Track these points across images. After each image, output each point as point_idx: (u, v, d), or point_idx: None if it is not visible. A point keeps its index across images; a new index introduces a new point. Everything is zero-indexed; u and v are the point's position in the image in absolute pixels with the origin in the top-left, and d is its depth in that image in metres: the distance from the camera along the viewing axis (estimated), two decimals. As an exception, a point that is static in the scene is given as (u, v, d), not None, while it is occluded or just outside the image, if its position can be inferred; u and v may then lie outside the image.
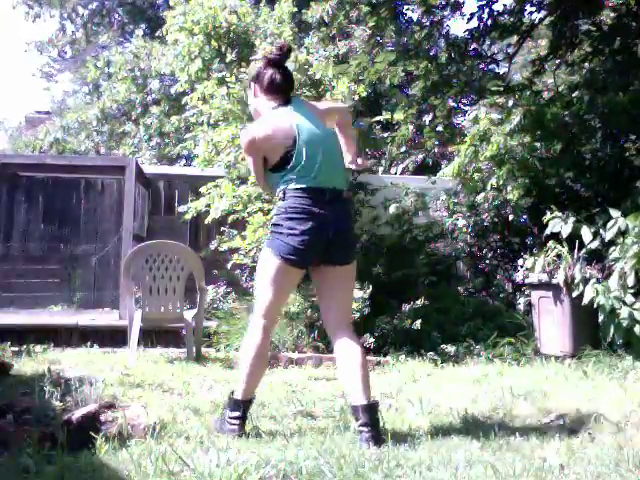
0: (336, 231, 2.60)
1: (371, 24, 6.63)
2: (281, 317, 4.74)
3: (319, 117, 2.70)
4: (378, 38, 6.76)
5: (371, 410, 2.50)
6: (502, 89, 6.16)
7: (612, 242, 4.63)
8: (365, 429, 2.46)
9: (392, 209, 6.03)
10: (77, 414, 2.47)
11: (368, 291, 5.01)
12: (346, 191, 2.72)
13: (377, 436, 2.45)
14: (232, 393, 2.66)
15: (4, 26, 43.42)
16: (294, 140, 2.58)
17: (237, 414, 2.60)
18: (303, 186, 2.58)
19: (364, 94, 6.35)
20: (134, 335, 4.69)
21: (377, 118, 7.37)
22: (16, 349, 4.65)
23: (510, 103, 5.91)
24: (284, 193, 2.61)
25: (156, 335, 5.25)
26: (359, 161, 2.84)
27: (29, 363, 4.14)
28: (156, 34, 11.77)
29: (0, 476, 2.02)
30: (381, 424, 2.57)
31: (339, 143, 2.79)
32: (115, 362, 4.26)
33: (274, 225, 2.65)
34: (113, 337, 5.33)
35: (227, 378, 3.81)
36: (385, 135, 7.34)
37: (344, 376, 2.63)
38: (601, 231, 4.75)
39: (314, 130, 2.63)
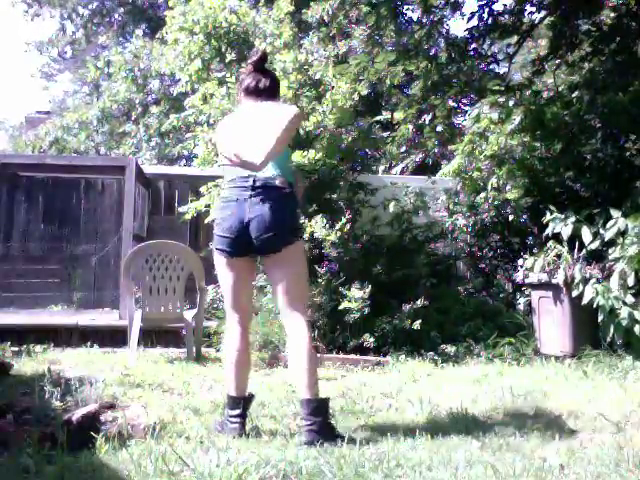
0: (254, 217, 2.57)
1: (370, 23, 6.63)
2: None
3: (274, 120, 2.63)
4: (377, 37, 6.76)
5: (311, 405, 2.50)
6: (503, 89, 6.15)
7: (612, 242, 4.63)
8: (305, 423, 2.49)
9: (391, 207, 6.03)
10: (77, 414, 2.47)
11: (368, 291, 5.02)
12: (282, 180, 2.63)
13: (315, 431, 2.44)
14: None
15: (4, 26, 43.44)
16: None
17: (237, 412, 2.61)
18: (234, 177, 2.66)
19: (364, 92, 6.34)
20: (134, 335, 4.69)
21: (377, 118, 7.38)
22: (16, 349, 4.65)
23: (511, 103, 5.91)
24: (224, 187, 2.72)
25: (156, 335, 5.25)
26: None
27: (29, 363, 4.14)
28: (156, 34, 11.77)
29: (0, 476, 2.02)
30: (332, 422, 2.58)
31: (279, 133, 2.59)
32: (115, 362, 4.26)
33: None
34: (113, 337, 5.34)
35: (227, 378, 3.80)
36: (385, 135, 7.35)
37: (291, 367, 2.68)
38: (601, 231, 4.75)
39: (253, 126, 2.64)
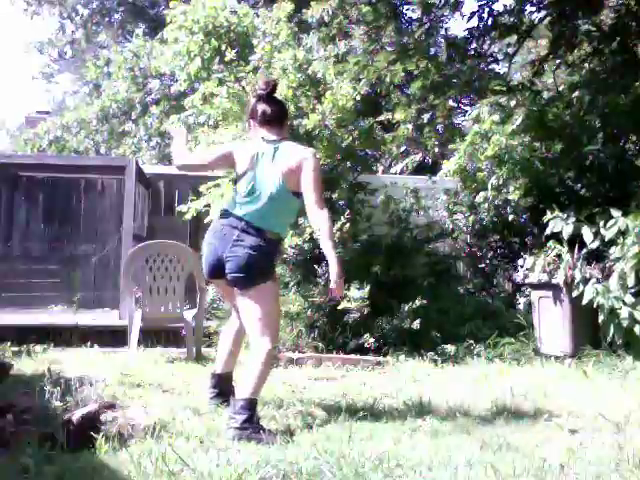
0: (232, 257, 2.74)
1: (369, 19, 6.61)
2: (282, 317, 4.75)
3: (286, 172, 2.79)
4: (376, 36, 6.75)
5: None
6: (505, 89, 6.14)
7: (612, 242, 4.63)
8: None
9: (386, 203, 6.02)
10: (77, 414, 2.47)
11: (367, 291, 5.01)
12: (272, 234, 2.80)
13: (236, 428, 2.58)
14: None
15: (4, 26, 43.45)
16: (250, 170, 2.83)
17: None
18: (230, 211, 2.85)
19: (363, 91, 6.34)
20: (134, 335, 4.69)
21: (378, 119, 7.37)
22: (16, 349, 4.64)
23: (512, 103, 5.90)
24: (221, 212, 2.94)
25: (156, 335, 5.25)
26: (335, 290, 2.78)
27: (29, 363, 4.14)
28: (156, 34, 11.77)
29: (0, 476, 2.02)
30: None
31: (289, 200, 2.84)
32: (115, 362, 4.26)
33: None
34: (113, 337, 5.33)
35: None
36: (385, 135, 7.34)
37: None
38: (601, 231, 4.75)
39: (268, 177, 2.80)
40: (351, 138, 5.89)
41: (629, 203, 4.98)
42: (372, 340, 4.94)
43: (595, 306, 4.47)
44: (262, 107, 2.91)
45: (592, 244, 4.79)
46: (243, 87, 5.89)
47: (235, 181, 2.93)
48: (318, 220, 2.75)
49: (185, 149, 3.08)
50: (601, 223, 4.80)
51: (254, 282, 2.74)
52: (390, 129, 7.49)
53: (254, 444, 2.40)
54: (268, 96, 2.94)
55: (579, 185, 6.00)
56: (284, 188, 2.78)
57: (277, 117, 2.94)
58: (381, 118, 7.24)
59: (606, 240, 4.68)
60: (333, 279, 2.70)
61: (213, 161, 3.01)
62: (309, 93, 6.11)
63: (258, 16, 8.87)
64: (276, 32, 7.76)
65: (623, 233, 4.55)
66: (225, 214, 2.87)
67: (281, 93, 5.80)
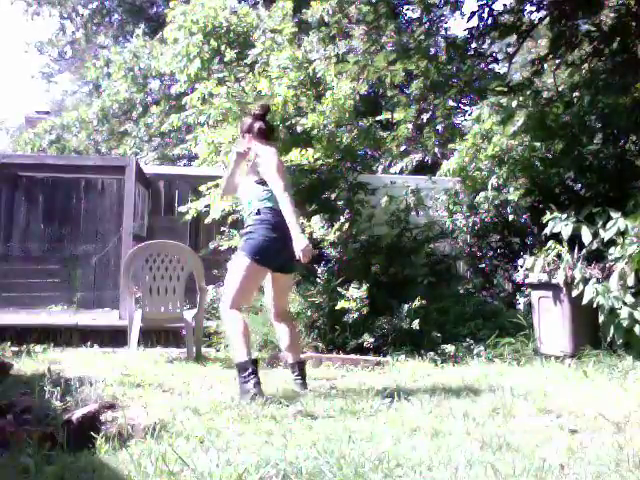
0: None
1: (369, 19, 6.61)
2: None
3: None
4: (376, 36, 6.74)
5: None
6: (506, 89, 6.14)
7: (612, 242, 4.63)
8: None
9: (383, 201, 6.02)
10: (77, 414, 2.47)
11: (367, 290, 5.01)
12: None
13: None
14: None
15: (4, 27, 43.43)
16: None
17: (250, 370, 3.22)
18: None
19: (362, 91, 6.34)
20: (134, 335, 4.69)
21: (378, 118, 7.36)
22: (16, 349, 4.65)
23: (514, 104, 5.89)
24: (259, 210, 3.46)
25: (156, 335, 5.25)
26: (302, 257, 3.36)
27: (29, 363, 4.14)
28: (156, 34, 11.77)
29: (0, 476, 2.02)
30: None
31: None
32: (115, 362, 4.26)
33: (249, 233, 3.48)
34: (113, 337, 5.33)
35: (227, 378, 3.81)
36: (385, 134, 7.34)
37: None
38: (601, 231, 4.75)
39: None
40: (351, 138, 5.89)
41: (628, 203, 4.98)
42: (372, 340, 4.94)
43: (595, 306, 4.48)
44: (258, 124, 3.63)
45: (591, 244, 4.79)
46: (243, 87, 5.88)
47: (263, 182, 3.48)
48: (284, 203, 3.45)
49: (232, 183, 3.70)
50: (600, 223, 4.81)
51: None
52: (390, 128, 7.49)
53: (254, 444, 2.40)
54: (262, 117, 3.69)
55: (579, 185, 6.00)
56: None
57: (271, 133, 3.77)
58: (380, 117, 7.24)
59: (606, 240, 4.68)
60: (299, 247, 3.29)
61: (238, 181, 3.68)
62: (309, 93, 6.11)
63: (259, 17, 8.87)
64: (280, 28, 7.75)
65: (623, 233, 4.56)
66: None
67: (281, 93, 5.80)
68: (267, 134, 3.67)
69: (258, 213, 3.44)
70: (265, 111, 3.75)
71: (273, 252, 3.39)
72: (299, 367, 3.63)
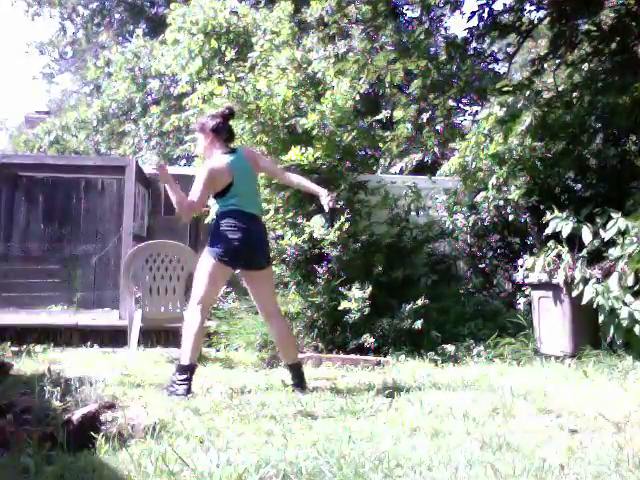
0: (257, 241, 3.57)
1: (368, 17, 6.61)
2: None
3: (254, 166, 3.71)
4: (374, 35, 6.75)
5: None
6: (511, 89, 6.12)
7: (612, 242, 4.63)
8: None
9: (380, 198, 6.01)
10: (77, 414, 2.47)
11: (367, 290, 5.01)
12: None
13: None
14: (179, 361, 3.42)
15: (4, 27, 43.42)
16: (232, 178, 3.53)
17: (185, 376, 3.32)
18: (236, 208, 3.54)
19: (362, 90, 6.33)
20: (134, 335, 4.69)
21: (377, 117, 7.36)
22: (16, 349, 4.65)
23: (520, 104, 5.87)
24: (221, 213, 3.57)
25: (156, 335, 5.25)
26: (330, 203, 3.63)
27: (29, 363, 4.14)
28: (156, 34, 11.77)
29: (0, 476, 2.02)
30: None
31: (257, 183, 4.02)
32: (115, 362, 4.26)
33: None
34: (113, 337, 5.34)
35: (227, 378, 3.81)
36: (384, 134, 7.33)
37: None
38: (601, 231, 4.75)
39: (245, 173, 3.62)
40: (350, 137, 5.88)
41: (628, 203, 4.98)
42: (372, 340, 4.93)
43: (595, 306, 4.47)
44: (225, 124, 3.67)
45: (591, 244, 4.79)
46: (243, 87, 5.88)
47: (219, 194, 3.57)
48: (293, 176, 3.97)
49: (184, 198, 3.61)
50: (600, 223, 4.80)
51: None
52: (389, 128, 7.49)
53: (254, 444, 2.40)
54: (230, 118, 3.75)
55: (579, 185, 6.00)
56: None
57: (231, 136, 3.79)
58: (380, 116, 7.23)
59: (606, 240, 4.68)
60: (324, 193, 3.61)
61: (206, 197, 3.66)
62: (309, 93, 6.11)
63: (258, 16, 8.87)
64: (277, 30, 7.76)
65: (623, 233, 4.55)
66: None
67: (281, 93, 5.80)
68: (223, 135, 3.68)
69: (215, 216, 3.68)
70: (230, 113, 3.76)
71: (232, 251, 3.50)
72: (293, 369, 3.64)
